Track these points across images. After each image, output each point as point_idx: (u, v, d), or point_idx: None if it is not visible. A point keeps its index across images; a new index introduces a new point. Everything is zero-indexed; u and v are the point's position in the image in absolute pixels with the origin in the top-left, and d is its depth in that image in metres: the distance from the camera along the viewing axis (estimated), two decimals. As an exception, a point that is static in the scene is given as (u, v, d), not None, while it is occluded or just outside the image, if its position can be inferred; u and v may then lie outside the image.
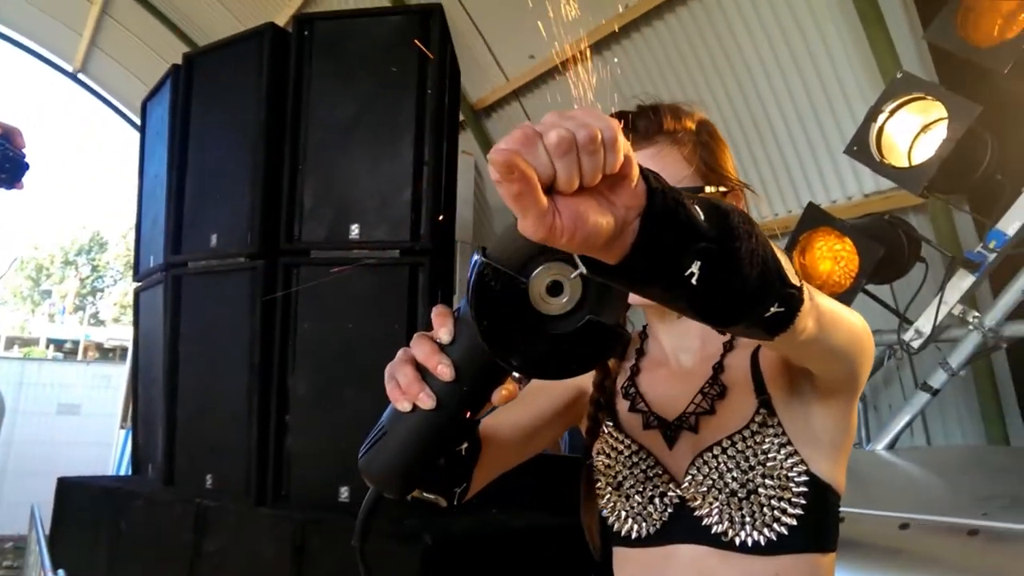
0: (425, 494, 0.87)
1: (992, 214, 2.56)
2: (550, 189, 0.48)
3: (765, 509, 0.90)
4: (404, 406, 0.69)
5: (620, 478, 0.99)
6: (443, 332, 0.68)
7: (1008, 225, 2.45)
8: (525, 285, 0.61)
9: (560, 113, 0.49)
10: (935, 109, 2.52)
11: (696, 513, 0.93)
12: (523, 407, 1.06)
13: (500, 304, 0.61)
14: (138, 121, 9.73)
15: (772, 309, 0.59)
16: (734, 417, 0.93)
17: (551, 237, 0.49)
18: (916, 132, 2.63)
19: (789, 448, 0.90)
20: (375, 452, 0.74)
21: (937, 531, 1.74)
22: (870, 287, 2.84)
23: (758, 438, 0.91)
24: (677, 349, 1.03)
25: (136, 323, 4.27)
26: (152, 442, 3.83)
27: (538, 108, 5.43)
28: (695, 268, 0.52)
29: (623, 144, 0.48)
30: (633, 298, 0.93)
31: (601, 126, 0.48)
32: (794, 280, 0.60)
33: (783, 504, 0.89)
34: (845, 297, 2.63)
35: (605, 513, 1.02)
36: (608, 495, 1.01)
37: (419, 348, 0.69)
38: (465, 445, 0.86)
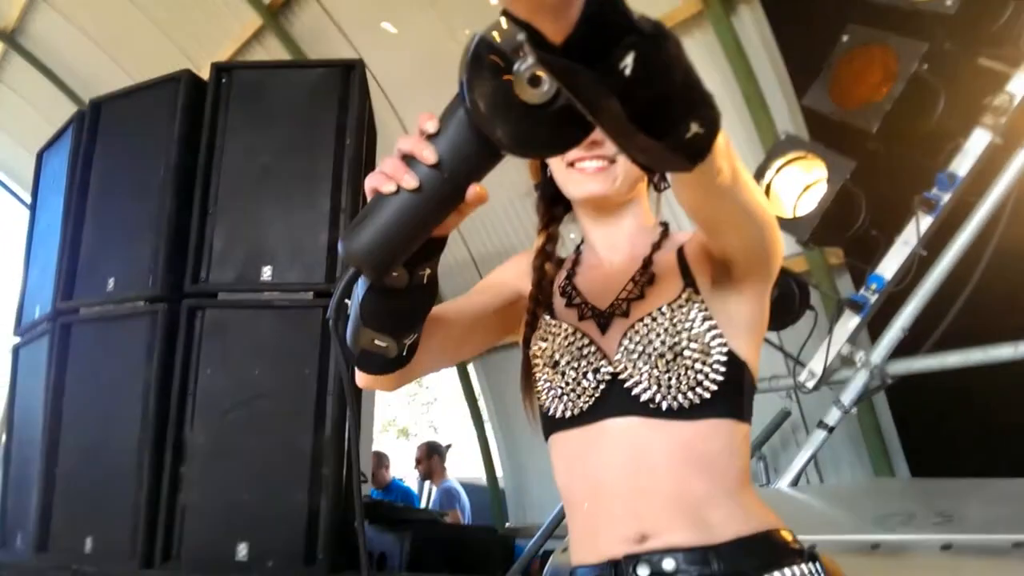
0: (376, 341, 0.93)
1: (869, 263, 2.85)
2: None
3: (689, 372, 0.99)
4: (389, 187, 0.77)
5: (556, 357, 1.07)
6: (429, 124, 0.76)
7: (885, 270, 2.74)
8: (512, 63, 0.69)
9: None
10: (816, 167, 2.84)
11: (626, 385, 1.02)
12: (467, 300, 1.16)
13: (489, 76, 0.70)
14: (22, 195, 9.37)
15: (693, 128, 0.65)
16: (662, 297, 1.04)
17: None
18: (800, 190, 2.93)
19: (711, 323, 1.01)
20: (356, 229, 0.80)
21: (842, 549, 1.88)
22: (769, 336, 3.07)
23: (684, 309, 1.02)
24: (609, 250, 1.14)
25: (13, 382, 4.02)
26: (23, 508, 3.55)
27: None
28: (628, 60, 0.58)
29: None
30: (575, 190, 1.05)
31: None
32: (712, 103, 0.66)
33: (705, 369, 0.99)
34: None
35: (540, 396, 1.10)
36: (544, 374, 1.09)
37: (406, 140, 0.77)
38: (428, 271, 0.90)
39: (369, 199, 0.80)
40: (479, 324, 1.14)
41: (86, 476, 3.19)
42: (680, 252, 1.09)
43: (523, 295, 1.16)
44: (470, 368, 6.50)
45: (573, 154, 1.06)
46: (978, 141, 2.60)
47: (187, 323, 3.11)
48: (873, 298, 2.76)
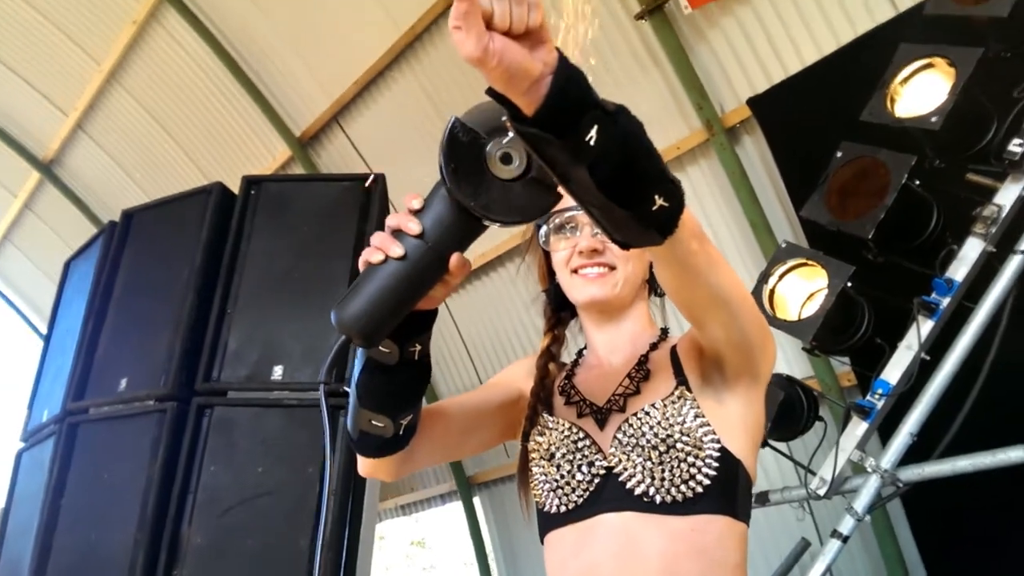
0: (374, 421, 1.02)
1: (875, 371, 2.95)
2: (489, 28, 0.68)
3: (683, 465, 1.06)
4: (377, 257, 0.89)
5: (552, 449, 1.15)
6: (415, 201, 0.91)
7: (889, 375, 2.83)
8: (486, 142, 0.86)
9: None
10: (817, 277, 3.00)
11: (621, 479, 1.09)
12: (468, 396, 1.27)
13: (465, 153, 0.85)
14: (40, 327, 9.65)
15: (659, 200, 0.77)
16: (657, 394, 1.14)
17: (485, 58, 0.68)
18: (804, 298, 3.09)
19: (703, 419, 1.09)
20: (347, 299, 0.92)
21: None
22: (777, 445, 3.13)
23: (677, 405, 1.10)
24: (609, 352, 1.25)
25: (11, 489, 4.07)
26: (8, 616, 3.51)
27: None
28: (594, 133, 0.72)
29: (544, 14, 0.71)
30: (579, 295, 1.19)
31: None
32: (674, 179, 0.79)
33: (698, 463, 1.06)
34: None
35: (535, 491, 1.17)
36: (539, 466, 1.16)
37: (394, 216, 0.91)
38: (419, 347, 1.00)
39: (361, 272, 0.92)
40: (481, 420, 1.23)
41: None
42: (673, 350, 1.19)
43: (526, 395, 1.25)
44: (476, 501, 6.43)
45: (576, 261, 1.20)
46: (971, 249, 2.76)
47: (195, 420, 3.22)
48: (880, 403, 2.83)
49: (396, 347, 0.97)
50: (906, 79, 2.86)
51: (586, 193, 0.76)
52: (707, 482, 1.06)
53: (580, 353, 1.32)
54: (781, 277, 3.02)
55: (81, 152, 7.56)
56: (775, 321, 2.94)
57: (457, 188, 0.85)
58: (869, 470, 2.80)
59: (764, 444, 3.12)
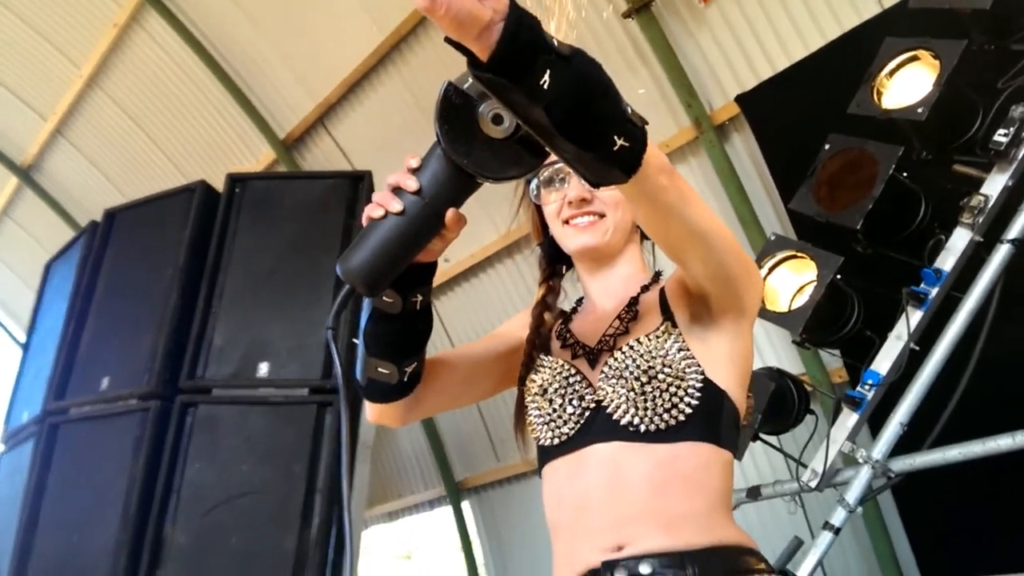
0: (380, 368, 1.09)
1: (864, 361, 2.97)
2: None
3: (664, 395, 1.10)
4: (378, 212, 0.95)
5: (546, 385, 1.20)
6: (413, 161, 0.96)
7: (879, 366, 2.86)
8: (477, 103, 0.91)
9: None
10: (807, 269, 3.03)
11: (608, 410, 1.13)
12: (473, 345, 1.32)
13: (457, 114, 0.90)
14: (18, 335, 9.57)
15: (619, 141, 0.80)
16: (644, 331, 1.18)
17: (433, 7, 0.71)
18: (794, 291, 3.11)
19: (687, 352, 1.13)
20: (351, 251, 0.97)
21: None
22: (769, 439, 3.15)
23: (661, 339, 1.14)
24: (603, 297, 1.29)
25: (-11, 492, 4.03)
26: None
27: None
28: (547, 76, 0.75)
29: None
30: (572, 243, 1.23)
31: None
32: (636, 120, 0.83)
33: (680, 392, 1.10)
34: (743, 436, 2.92)
35: (531, 427, 1.21)
36: (534, 403, 1.21)
37: (392, 175, 0.96)
38: (420, 297, 1.06)
39: (364, 226, 0.97)
40: (482, 368, 1.29)
41: (57, 579, 3.17)
42: (662, 291, 1.23)
43: (523, 345, 1.30)
44: (464, 506, 6.41)
45: (566, 212, 1.24)
46: (959, 239, 2.80)
47: (179, 418, 3.21)
48: (870, 394, 2.85)
49: (399, 297, 1.03)
50: (892, 72, 2.90)
51: (548, 134, 0.80)
52: (689, 411, 1.09)
53: (579, 301, 1.37)
54: (771, 270, 3.05)
55: (61, 157, 7.52)
56: (765, 313, 2.96)
57: (451, 147, 0.90)
58: (860, 461, 2.81)
59: (755, 438, 3.14)
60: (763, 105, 3.92)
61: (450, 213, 0.95)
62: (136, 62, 6.37)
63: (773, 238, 3.07)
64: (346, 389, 1.00)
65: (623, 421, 1.11)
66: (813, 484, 2.93)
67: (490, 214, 5.09)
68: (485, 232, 5.27)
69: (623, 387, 1.12)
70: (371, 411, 1.17)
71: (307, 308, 3.31)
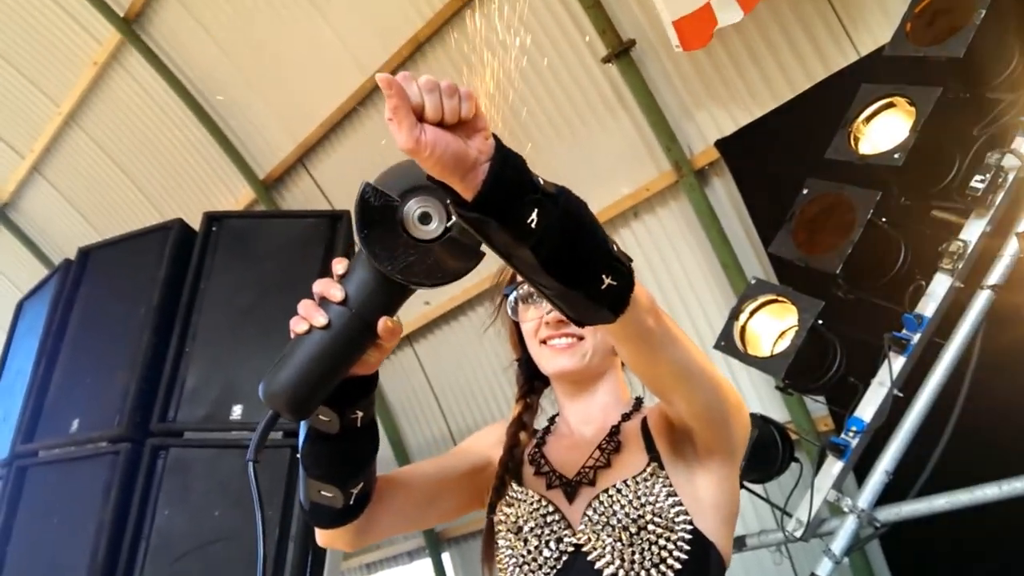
0: (322, 491, 1.00)
1: (848, 408, 2.97)
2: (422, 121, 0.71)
3: (654, 548, 1.06)
4: (302, 327, 0.90)
5: (520, 523, 1.14)
6: (339, 266, 0.91)
7: (863, 412, 2.86)
8: (399, 204, 0.86)
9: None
10: (788, 314, 3.04)
11: (589, 558, 1.08)
12: (432, 462, 1.25)
13: (379, 217, 0.85)
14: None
15: (607, 280, 0.80)
16: (628, 469, 1.13)
17: (417, 149, 0.71)
18: (776, 335, 3.12)
19: (676, 499, 1.09)
20: (274, 371, 0.91)
21: None
22: (753, 487, 3.13)
23: (649, 483, 1.10)
24: (580, 422, 1.25)
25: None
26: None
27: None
28: (534, 216, 0.75)
29: (479, 106, 0.74)
30: (550, 365, 1.19)
31: (459, 87, 0.73)
32: (623, 259, 0.82)
33: (669, 546, 1.06)
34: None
35: (501, 564, 1.15)
36: (506, 539, 1.15)
37: (316, 283, 0.92)
38: (360, 413, 0.98)
39: (290, 341, 0.91)
40: (445, 488, 1.22)
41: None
42: (644, 422, 1.18)
43: (494, 463, 1.24)
44: (444, 557, 6.30)
45: (544, 332, 1.20)
46: (940, 284, 2.83)
47: (149, 462, 3.14)
48: (855, 441, 2.85)
49: (336, 416, 0.95)
50: (869, 118, 2.96)
51: (532, 272, 0.79)
52: (678, 566, 1.06)
53: (552, 420, 1.31)
54: (752, 314, 3.06)
55: (37, 195, 7.47)
56: (747, 358, 2.97)
57: (373, 254, 0.85)
58: (846, 510, 2.80)
59: (740, 486, 3.11)
60: (743, 150, 3.98)
61: (382, 323, 0.88)
62: (115, 100, 6.37)
63: (754, 282, 3.09)
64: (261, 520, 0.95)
65: (606, 572, 1.06)
66: (798, 534, 2.91)
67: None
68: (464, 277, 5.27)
69: (609, 536, 1.07)
70: (320, 536, 1.09)
71: (282, 349, 3.24)
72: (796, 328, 2.94)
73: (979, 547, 2.99)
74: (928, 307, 2.83)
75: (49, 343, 3.66)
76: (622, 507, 1.07)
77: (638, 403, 1.25)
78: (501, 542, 1.15)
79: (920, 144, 2.74)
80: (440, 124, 0.72)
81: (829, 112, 3.14)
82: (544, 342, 1.20)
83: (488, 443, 1.28)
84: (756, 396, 4.20)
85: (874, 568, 3.57)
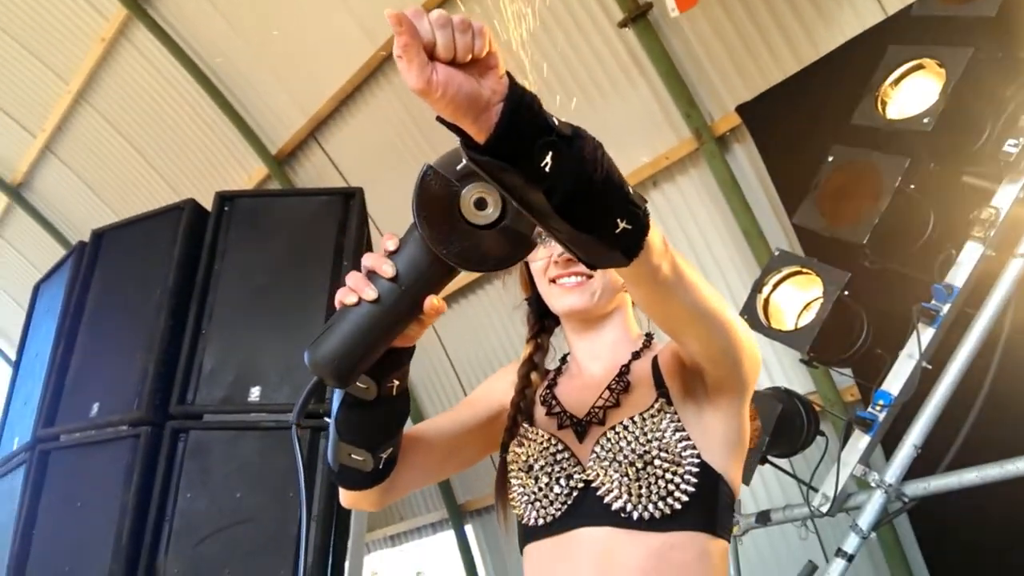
0: (353, 455, 1.03)
1: (875, 381, 2.93)
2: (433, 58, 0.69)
3: (660, 482, 1.07)
4: (351, 299, 0.90)
5: (531, 461, 1.15)
6: (390, 243, 0.91)
7: (891, 386, 2.82)
8: (458, 188, 0.87)
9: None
10: (813, 285, 3.00)
11: (598, 493, 1.09)
12: (448, 417, 1.26)
13: (437, 200, 0.86)
14: (9, 354, 9.56)
15: (621, 224, 0.78)
16: (637, 407, 1.13)
17: (428, 89, 0.68)
18: (800, 307, 3.08)
19: (683, 434, 1.09)
20: (321, 339, 0.92)
21: None
22: (778, 462, 3.11)
23: (656, 419, 1.10)
24: (589, 359, 1.25)
25: (-22, 521, 3.98)
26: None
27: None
28: (548, 159, 0.73)
29: (491, 41, 0.71)
30: (559, 303, 1.18)
31: (473, 22, 0.70)
32: (638, 202, 0.80)
33: (676, 479, 1.07)
34: (752, 456, 2.88)
35: (513, 503, 1.17)
36: (518, 478, 1.16)
37: (368, 256, 0.92)
38: (396, 383, 1.01)
39: (336, 311, 0.93)
40: (463, 439, 1.24)
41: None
42: (655, 361, 1.18)
43: (507, 408, 1.25)
44: (467, 529, 6.36)
45: (553, 271, 1.20)
46: (971, 253, 2.77)
47: (170, 445, 3.16)
48: (882, 415, 2.81)
49: (374, 383, 0.98)
50: (896, 81, 2.88)
51: (546, 217, 0.77)
52: (685, 498, 1.06)
53: (563, 359, 1.32)
54: (775, 286, 3.02)
55: (50, 174, 7.50)
56: (770, 332, 2.93)
57: (429, 236, 0.86)
58: (873, 485, 2.77)
59: (764, 461, 3.09)
60: (765, 115, 3.91)
61: (428, 301, 0.91)
62: (125, 77, 6.35)
63: (777, 253, 3.04)
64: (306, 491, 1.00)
65: (615, 506, 1.07)
66: (824, 509, 2.89)
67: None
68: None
69: (616, 471, 1.08)
70: (344, 496, 1.12)
71: (298, 329, 3.26)
72: (821, 300, 2.90)
73: (1010, 521, 2.95)
74: (958, 276, 2.77)
75: (66, 327, 3.69)
76: (628, 443, 1.08)
77: (648, 340, 1.26)
78: (513, 480, 1.17)
79: (950, 108, 2.67)
80: (452, 62, 0.69)
81: (855, 75, 3.06)
82: (553, 281, 1.21)
83: (500, 388, 1.29)
84: (780, 366, 4.16)
85: (903, 541, 3.55)
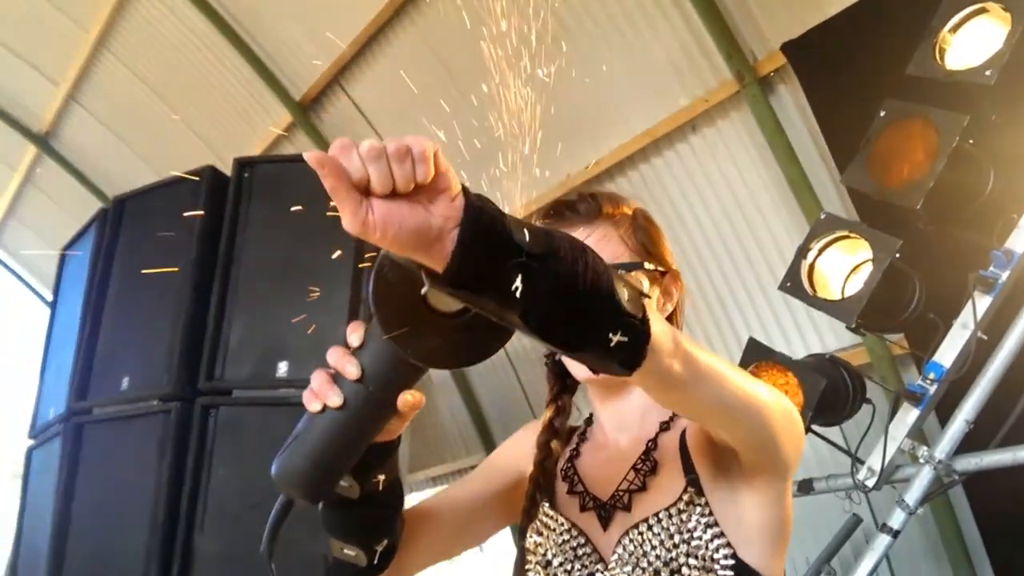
0: (345, 550, 0.96)
1: (928, 350, 2.81)
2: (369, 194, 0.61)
3: None
4: (315, 406, 0.81)
5: (550, 556, 1.07)
6: (353, 337, 0.82)
7: (943, 357, 2.70)
8: (419, 276, 0.71)
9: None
10: (861, 249, 2.85)
11: None
12: (461, 487, 1.18)
13: (396, 293, 0.73)
14: (48, 296, 9.82)
15: (615, 338, 0.69)
16: (664, 494, 1.03)
17: (365, 231, 0.61)
18: (847, 272, 2.94)
19: (715, 529, 0.99)
20: (286, 455, 0.84)
21: None
22: (822, 430, 3.02)
23: (684, 516, 1.00)
24: (616, 429, 1.15)
25: (24, 486, 4.12)
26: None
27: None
28: (518, 283, 0.64)
29: (441, 162, 0.62)
30: (579, 372, 1.09)
31: (413, 142, 0.61)
32: (633, 311, 0.71)
33: None
34: (792, 432, 2.80)
35: None
36: (536, 572, 1.08)
37: (331, 354, 0.82)
38: (382, 477, 0.93)
39: (303, 419, 0.83)
40: (478, 513, 1.15)
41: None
42: (683, 436, 1.08)
43: (524, 477, 1.16)
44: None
45: None
46: (1034, 216, 2.60)
47: (200, 422, 3.19)
48: (932, 388, 2.70)
49: (356, 482, 0.90)
50: (956, 26, 2.65)
51: (527, 333, 0.69)
52: None
53: (588, 421, 1.22)
54: (821, 251, 2.87)
55: (76, 123, 7.51)
56: (815, 301, 2.81)
57: (392, 337, 0.75)
58: (922, 461, 2.69)
59: (807, 430, 3.01)
60: (813, 56, 3.66)
61: (403, 399, 0.81)
62: (143, 23, 6.25)
63: (824, 216, 2.89)
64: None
65: None
66: (870, 483, 2.81)
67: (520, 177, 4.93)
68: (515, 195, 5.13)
69: None
70: None
71: (324, 302, 3.23)
72: (870, 266, 2.76)
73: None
74: (1019, 242, 2.61)
75: (93, 298, 3.72)
76: (653, 547, 1.00)
77: None
78: (532, 572, 1.09)
79: (1016, 57, 2.45)
80: (393, 193, 0.62)
81: (912, 14, 2.84)
82: None
83: (520, 454, 1.20)
84: (829, 323, 4.03)
85: (957, 512, 3.46)
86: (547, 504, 1.12)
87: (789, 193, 3.89)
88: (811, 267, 2.88)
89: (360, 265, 3.29)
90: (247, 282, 3.36)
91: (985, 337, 2.64)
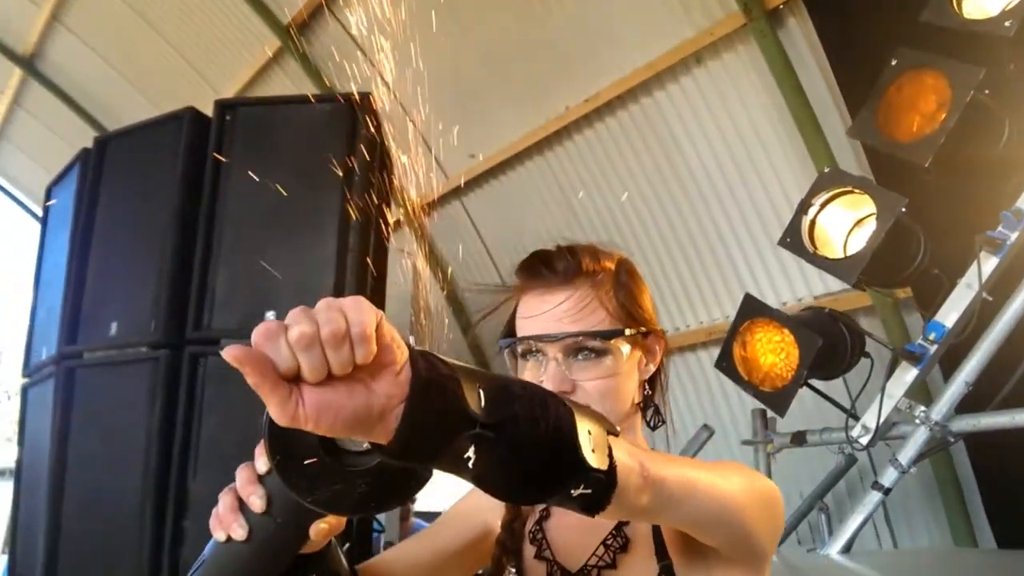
0: None
1: (931, 307, 2.76)
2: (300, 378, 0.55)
3: None
4: (220, 536, 0.76)
5: None
6: (260, 462, 0.75)
7: (946, 317, 2.65)
8: None
9: (304, 310, 0.57)
10: (865, 204, 2.76)
11: None
12: (424, 542, 1.13)
13: (292, 440, 0.65)
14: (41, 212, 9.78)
15: (576, 492, 0.65)
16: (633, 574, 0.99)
17: (296, 423, 0.55)
18: (850, 226, 2.86)
19: None
20: None
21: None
22: (820, 384, 3.00)
23: None
24: None
25: (22, 423, 4.16)
26: (32, 557, 3.65)
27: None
28: (471, 453, 0.59)
29: (384, 333, 0.56)
30: None
31: (353, 319, 0.55)
32: (598, 464, 0.66)
33: None
34: (787, 391, 2.77)
35: None
36: None
37: (238, 476, 0.76)
38: None
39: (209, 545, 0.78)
40: (443, 567, 1.10)
41: (90, 528, 3.27)
42: None
43: (493, 531, 1.12)
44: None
45: (557, 389, 1.01)
46: (1047, 174, 2.50)
47: (189, 371, 3.18)
48: (932, 348, 2.66)
49: None
50: (977, -29, 2.51)
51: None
52: None
53: None
54: (823, 207, 2.79)
55: (61, 45, 7.30)
56: (816, 259, 2.74)
57: (289, 485, 0.66)
58: (918, 421, 2.67)
59: (803, 384, 2.99)
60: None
61: (315, 528, 0.75)
62: (124, -61, 5.99)
63: (828, 171, 2.79)
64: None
65: None
66: (864, 440, 2.81)
67: (518, 109, 4.80)
68: (513, 128, 4.99)
69: None
70: None
71: (310, 251, 3.16)
72: (873, 222, 2.68)
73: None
74: (1030, 201, 2.52)
75: (78, 241, 3.65)
76: None
77: None
78: None
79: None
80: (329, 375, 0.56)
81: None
82: None
83: (487, 506, 1.15)
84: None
85: (957, 466, 3.47)
86: (513, 570, 1.08)
87: (796, 134, 3.77)
88: (812, 223, 2.80)
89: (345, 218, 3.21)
90: (232, 230, 3.29)
91: (991, 299, 2.59)
